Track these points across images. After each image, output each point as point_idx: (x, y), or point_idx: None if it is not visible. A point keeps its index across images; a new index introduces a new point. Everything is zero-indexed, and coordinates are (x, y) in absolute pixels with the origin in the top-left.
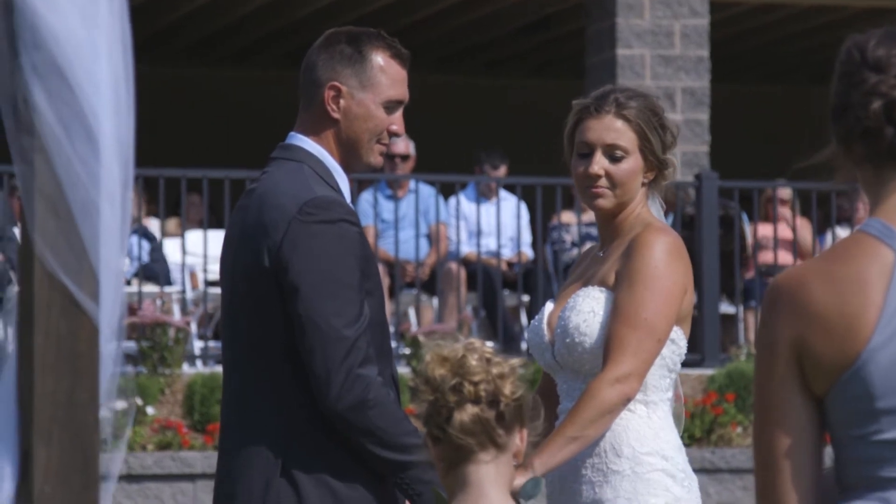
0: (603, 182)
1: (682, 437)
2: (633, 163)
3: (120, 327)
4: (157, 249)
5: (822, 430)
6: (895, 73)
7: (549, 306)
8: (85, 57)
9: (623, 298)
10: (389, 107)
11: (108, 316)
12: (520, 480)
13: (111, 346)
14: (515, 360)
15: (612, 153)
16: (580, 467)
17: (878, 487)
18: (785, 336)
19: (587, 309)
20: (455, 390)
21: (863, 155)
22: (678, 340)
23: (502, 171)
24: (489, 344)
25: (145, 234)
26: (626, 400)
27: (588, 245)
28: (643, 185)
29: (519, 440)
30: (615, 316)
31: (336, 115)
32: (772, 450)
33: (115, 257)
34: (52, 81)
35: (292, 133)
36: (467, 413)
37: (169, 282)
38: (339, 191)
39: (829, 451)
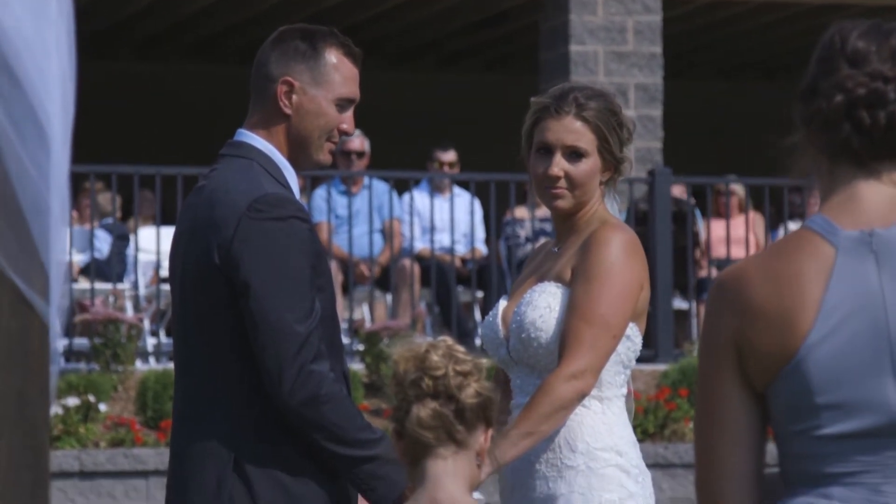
0: (562, 183)
1: (635, 433)
2: (591, 164)
3: (67, 323)
4: (120, 245)
5: (764, 426)
6: (868, 69)
7: (503, 302)
8: (36, 54)
9: (579, 294)
10: (341, 105)
11: (57, 312)
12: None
13: (58, 343)
14: (483, 360)
15: (572, 154)
16: (534, 462)
17: (820, 483)
18: (726, 331)
19: (543, 304)
20: (415, 384)
21: (820, 144)
22: (633, 337)
23: (451, 154)
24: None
25: (113, 229)
26: (581, 396)
27: (542, 240)
28: (600, 183)
29: (483, 440)
30: (571, 312)
31: (288, 111)
32: (710, 444)
33: (62, 253)
34: (3, 79)
35: (241, 130)
36: (425, 407)
37: (121, 279)
38: (288, 187)
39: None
